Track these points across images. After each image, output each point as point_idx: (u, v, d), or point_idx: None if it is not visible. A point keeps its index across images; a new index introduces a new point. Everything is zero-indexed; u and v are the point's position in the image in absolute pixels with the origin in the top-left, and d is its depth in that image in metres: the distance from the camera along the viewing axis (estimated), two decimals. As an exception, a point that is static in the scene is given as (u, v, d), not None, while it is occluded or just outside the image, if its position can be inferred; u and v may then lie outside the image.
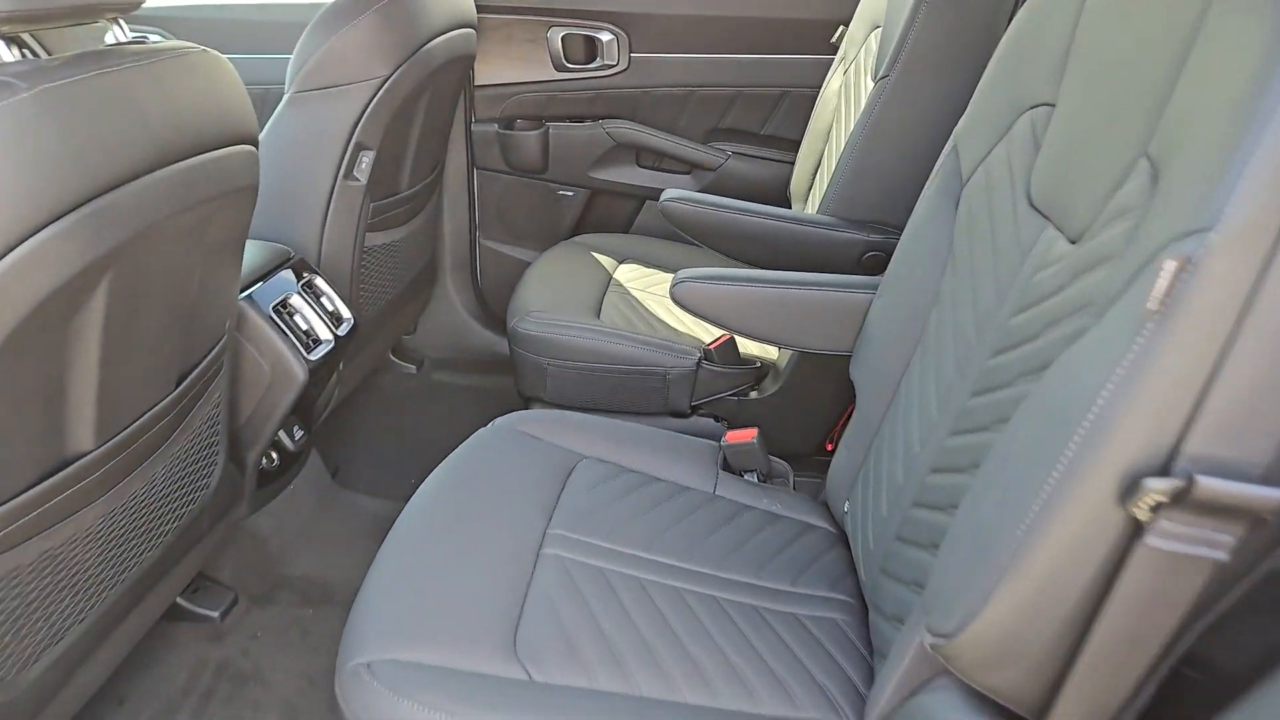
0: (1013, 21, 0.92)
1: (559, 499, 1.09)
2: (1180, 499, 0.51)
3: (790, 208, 1.93)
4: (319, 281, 1.47)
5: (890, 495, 0.94)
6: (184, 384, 1.06)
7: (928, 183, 1.03)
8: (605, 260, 1.92)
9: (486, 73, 2.06)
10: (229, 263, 1.08)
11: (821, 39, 1.93)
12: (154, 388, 0.99)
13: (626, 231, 2.20)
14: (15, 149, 0.68)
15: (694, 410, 1.57)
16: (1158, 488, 0.52)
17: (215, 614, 1.41)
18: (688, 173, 2.12)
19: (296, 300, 1.40)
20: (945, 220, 0.97)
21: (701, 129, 2.10)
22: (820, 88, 1.88)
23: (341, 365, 1.64)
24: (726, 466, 1.22)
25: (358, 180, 1.52)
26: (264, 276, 1.39)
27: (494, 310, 2.31)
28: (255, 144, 1.01)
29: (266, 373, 1.34)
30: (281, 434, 1.50)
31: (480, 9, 1.90)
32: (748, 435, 1.21)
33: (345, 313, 1.50)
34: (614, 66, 2.05)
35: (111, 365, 0.88)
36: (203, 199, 0.90)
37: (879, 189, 1.34)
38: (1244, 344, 0.50)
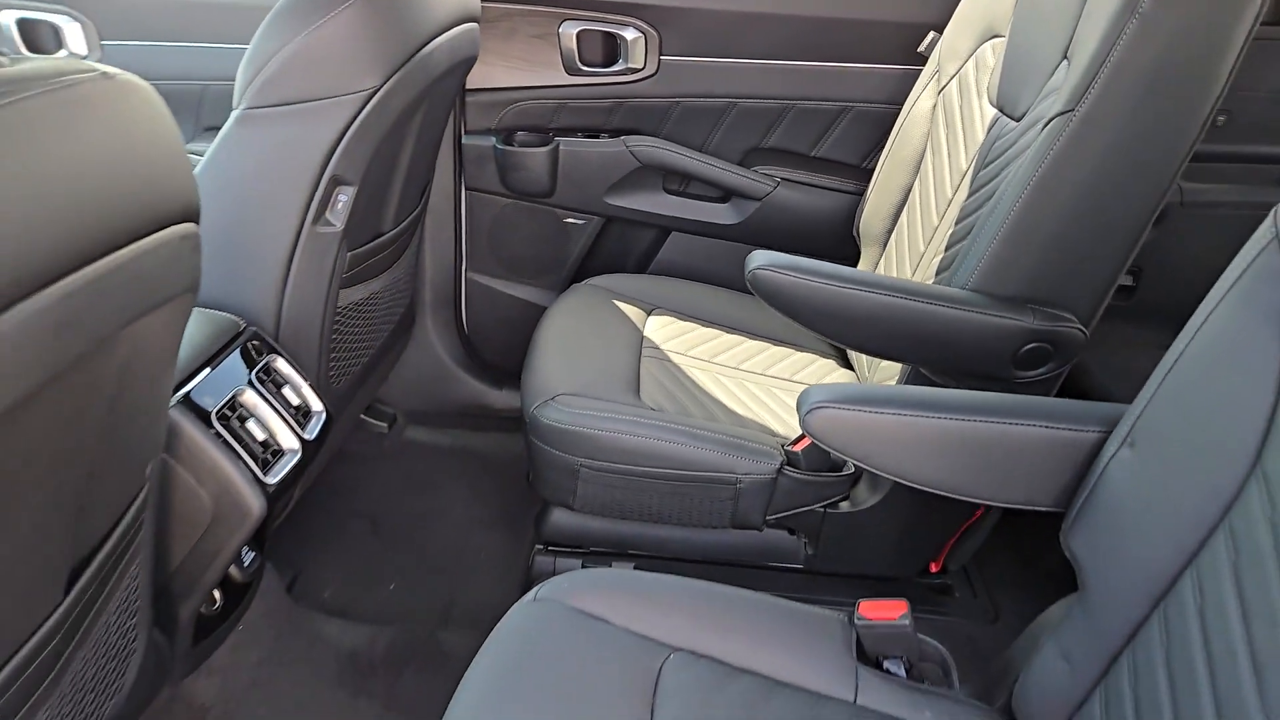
0: None
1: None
2: None
3: (858, 250, 1.61)
4: (280, 364, 1.09)
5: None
6: (80, 583, 0.67)
7: (1220, 287, 0.70)
8: (632, 311, 1.57)
9: (482, 75, 1.68)
10: (156, 382, 0.70)
11: (901, 46, 1.59)
12: (29, 611, 0.61)
13: (645, 269, 1.84)
14: None
15: (767, 524, 1.24)
16: None
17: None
18: (725, 200, 1.77)
19: (250, 397, 1.02)
20: (1267, 347, 0.65)
21: (740, 148, 1.75)
22: (896, 104, 1.56)
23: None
24: (860, 652, 0.89)
25: (331, 225, 1.14)
26: (208, 363, 1.00)
27: (482, 355, 1.94)
28: (196, 218, 0.63)
29: (207, 507, 0.96)
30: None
31: (479, -4, 1.51)
32: (893, 611, 0.88)
33: (315, 404, 1.12)
34: (639, 71, 1.69)
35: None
36: (108, 330, 0.53)
37: (1044, 259, 1.01)
38: None
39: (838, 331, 1.08)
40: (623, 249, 1.85)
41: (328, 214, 1.13)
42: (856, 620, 0.89)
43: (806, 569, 1.29)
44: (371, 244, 1.27)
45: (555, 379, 1.29)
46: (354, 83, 1.06)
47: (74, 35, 1.75)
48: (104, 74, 0.53)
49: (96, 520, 0.70)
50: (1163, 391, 0.73)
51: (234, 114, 1.07)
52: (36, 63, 0.51)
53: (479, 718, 0.75)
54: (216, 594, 1.12)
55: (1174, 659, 0.67)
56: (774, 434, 1.27)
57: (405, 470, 1.79)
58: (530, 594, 0.88)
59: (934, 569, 1.29)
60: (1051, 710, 0.78)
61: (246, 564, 1.17)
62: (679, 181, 1.78)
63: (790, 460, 1.18)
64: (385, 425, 1.87)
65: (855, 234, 1.61)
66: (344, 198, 1.13)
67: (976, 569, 1.36)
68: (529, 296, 1.87)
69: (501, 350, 1.90)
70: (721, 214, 1.76)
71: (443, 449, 1.87)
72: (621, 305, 1.58)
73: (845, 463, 1.22)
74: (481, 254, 1.85)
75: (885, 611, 0.88)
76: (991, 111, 1.28)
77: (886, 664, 0.89)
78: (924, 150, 1.46)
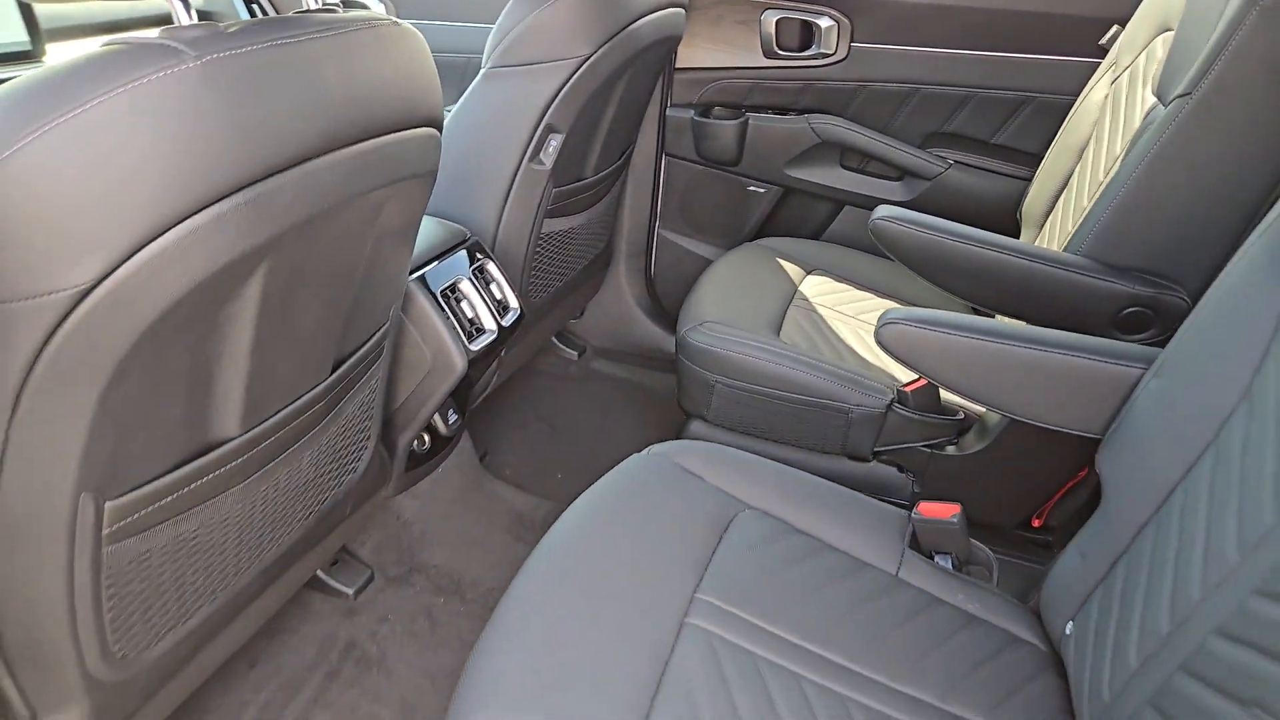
0: None
1: (713, 555, 0.95)
2: None
3: (1019, 232, 1.68)
4: (491, 267, 1.40)
5: (1144, 645, 0.73)
6: (340, 371, 1.00)
7: (1250, 239, 0.79)
8: (792, 269, 1.75)
9: (689, 55, 1.93)
10: (399, 249, 1.01)
11: (1086, 39, 1.64)
12: (308, 374, 0.94)
13: (818, 237, 2.01)
14: (175, 125, 0.61)
15: (875, 456, 1.38)
16: None
17: (350, 590, 1.39)
18: (899, 179, 1.89)
19: (466, 285, 1.33)
20: (1272, 294, 0.74)
21: (920, 132, 1.87)
22: (1077, 95, 1.61)
23: (504, 352, 1.57)
24: (914, 543, 1.04)
25: (543, 164, 1.43)
26: (438, 257, 1.33)
27: (664, 305, 2.19)
28: (439, 126, 0.92)
29: (427, 359, 1.28)
30: (436, 418, 1.45)
31: (693, -14, 1.76)
32: (947, 511, 1.02)
33: (513, 302, 1.42)
34: (830, 56, 1.85)
35: (263, 352, 0.83)
36: (376, 185, 0.82)
37: (1155, 231, 1.09)
38: None
39: (948, 281, 1.21)
40: (799, 217, 2.02)
41: (541, 154, 1.43)
42: (914, 516, 1.04)
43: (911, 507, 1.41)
44: (573, 185, 1.56)
45: (707, 310, 1.51)
46: (571, 50, 1.34)
47: (377, 9, 2.22)
48: (393, 22, 0.83)
49: (354, 334, 1.02)
50: (1187, 328, 0.82)
51: (482, 72, 1.39)
52: (357, 11, 0.82)
53: (580, 525, 0.98)
54: (426, 438, 1.46)
55: (1156, 556, 0.78)
56: (895, 379, 1.41)
57: (586, 392, 2.09)
58: (645, 450, 1.11)
59: (1036, 524, 1.37)
60: (1065, 601, 0.90)
61: (450, 422, 1.50)
62: (857, 159, 1.93)
63: (900, 398, 1.32)
64: (575, 354, 2.18)
65: (1018, 217, 1.68)
66: (554, 143, 1.42)
67: (1079, 528, 1.41)
68: (710, 254, 2.10)
69: (680, 301, 2.14)
70: (894, 191, 1.89)
71: (619, 380, 2.15)
72: (784, 263, 1.77)
73: (957, 410, 1.34)
74: (673, 213, 2.10)
75: (941, 511, 1.03)
76: (1151, 100, 1.33)
77: (937, 558, 1.04)
78: (1089, 138, 1.51)
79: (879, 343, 1.03)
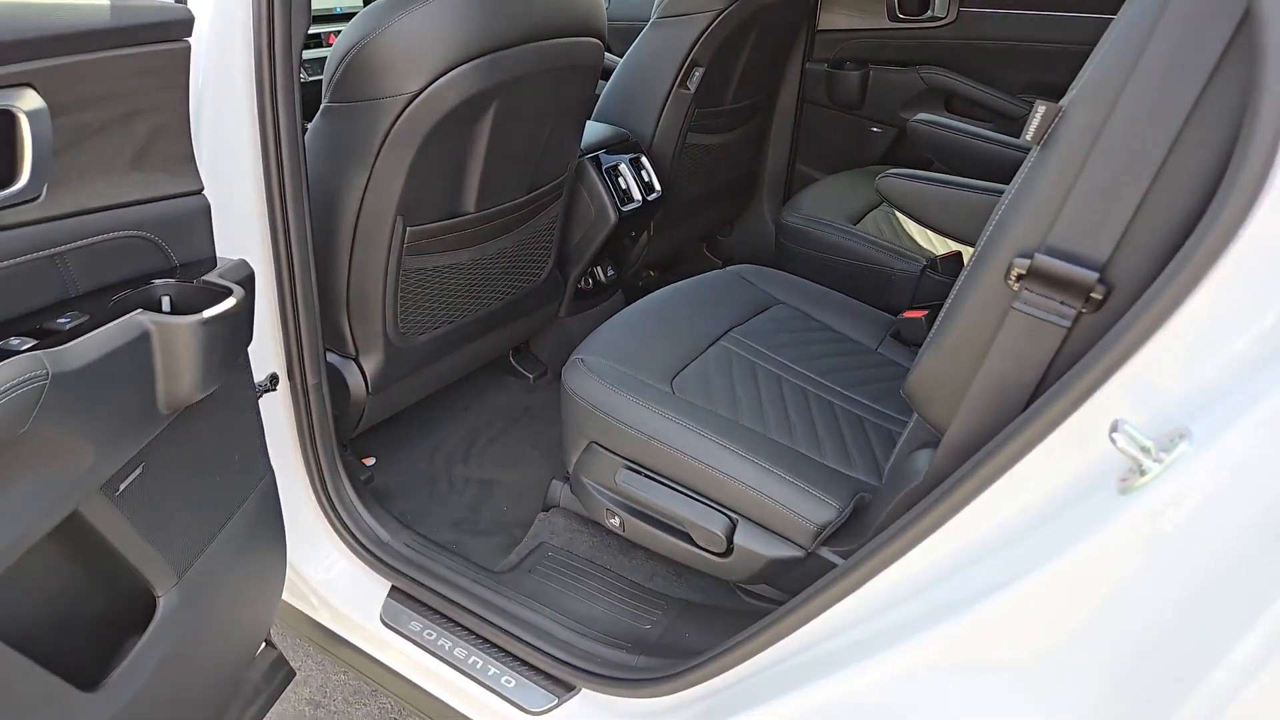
0: None
1: (748, 320, 1.47)
2: (1033, 274, 0.76)
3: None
4: (644, 160, 1.99)
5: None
6: (533, 194, 1.62)
7: None
8: (888, 188, 2.18)
9: (829, 19, 2.40)
10: (573, 126, 1.61)
11: (1148, -2, 1.94)
12: (516, 186, 1.57)
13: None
14: (460, 16, 1.24)
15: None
16: (1018, 264, 0.77)
17: (531, 376, 2.03)
18: (991, 121, 2.26)
19: (624, 168, 1.93)
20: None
21: (1021, 83, 2.22)
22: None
23: (652, 230, 2.15)
24: (898, 336, 1.49)
25: (688, 90, 1.99)
26: (607, 148, 1.93)
27: (798, 228, 2.67)
28: (603, 38, 1.51)
29: (592, 212, 1.89)
30: (597, 268, 2.06)
31: (830, -39, 2.24)
32: (921, 313, 1.47)
33: (657, 186, 1.99)
34: (943, 19, 2.26)
35: (492, 159, 1.45)
36: (559, 66, 1.43)
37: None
38: (1091, 172, 0.72)
39: (969, 170, 1.63)
40: (911, 154, 2.43)
41: (687, 82, 1.99)
42: (898, 317, 1.50)
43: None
44: (712, 110, 2.11)
45: (804, 203, 2.00)
46: (710, 4, 1.89)
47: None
48: None
49: (543, 174, 1.64)
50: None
51: (649, 22, 1.98)
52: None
53: (666, 291, 1.52)
54: (590, 280, 2.07)
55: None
56: (935, 254, 1.83)
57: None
58: (719, 269, 1.64)
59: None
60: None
61: (608, 275, 2.10)
62: (961, 105, 2.31)
63: (932, 265, 1.75)
64: (721, 263, 2.72)
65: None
66: (697, 74, 1.98)
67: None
68: (836, 186, 2.56)
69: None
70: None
71: (754, 285, 2.67)
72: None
73: (977, 280, 1.75)
74: (808, 150, 2.58)
75: (917, 313, 1.48)
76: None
77: (914, 348, 1.49)
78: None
79: (879, 191, 1.50)
